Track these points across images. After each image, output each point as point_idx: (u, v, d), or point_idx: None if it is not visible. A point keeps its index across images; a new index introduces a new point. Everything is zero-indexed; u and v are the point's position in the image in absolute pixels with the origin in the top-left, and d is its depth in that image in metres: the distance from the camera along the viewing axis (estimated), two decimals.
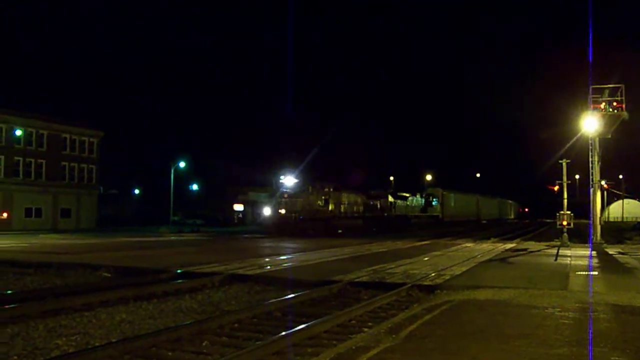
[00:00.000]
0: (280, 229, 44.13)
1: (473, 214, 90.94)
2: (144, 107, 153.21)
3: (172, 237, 39.45)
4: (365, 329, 8.97)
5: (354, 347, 7.53)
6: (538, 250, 25.42)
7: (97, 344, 7.86)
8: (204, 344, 8.06)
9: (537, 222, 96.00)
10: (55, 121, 62.83)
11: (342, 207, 50.78)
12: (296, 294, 12.38)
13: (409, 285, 13.46)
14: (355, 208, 53.49)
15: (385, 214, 58.75)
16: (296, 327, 8.85)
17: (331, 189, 49.21)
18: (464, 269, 17.16)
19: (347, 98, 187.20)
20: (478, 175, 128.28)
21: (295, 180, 48.71)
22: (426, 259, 20.95)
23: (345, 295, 12.92)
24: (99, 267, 17.21)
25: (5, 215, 49.68)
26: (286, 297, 12.08)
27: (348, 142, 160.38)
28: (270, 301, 11.49)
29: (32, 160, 59.86)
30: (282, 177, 49.63)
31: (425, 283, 13.89)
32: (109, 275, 16.38)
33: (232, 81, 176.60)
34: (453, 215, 79.34)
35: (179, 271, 16.13)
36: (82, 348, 7.65)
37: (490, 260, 20.68)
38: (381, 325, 9.06)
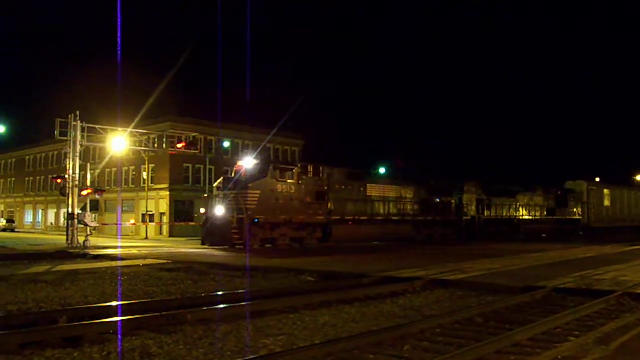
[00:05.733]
0: (215, 238, 30.18)
1: None
2: (340, 113, 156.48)
3: (375, 242, 37.42)
4: (572, 338, 8.48)
5: (559, 357, 7.20)
6: None
7: (301, 345, 8.10)
8: (405, 348, 8.03)
9: None
10: (260, 132, 66.14)
11: (368, 206, 35.67)
12: (498, 300, 12.07)
13: (620, 293, 12.57)
14: (399, 207, 38.12)
15: (465, 217, 43.04)
16: (499, 333, 8.62)
17: (342, 176, 34.76)
18: None
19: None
20: None
21: (255, 162, 32.35)
22: (638, 264, 19.58)
23: (550, 302, 12.36)
24: (303, 272, 17.77)
25: None
26: (488, 302, 11.80)
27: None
28: (472, 307, 11.27)
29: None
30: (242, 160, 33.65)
31: (638, 291, 12.95)
32: (312, 279, 16.85)
33: None
34: (608, 219, 58.69)
35: (380, 276, 16.28)
36: (288, 348, 7.91)
37: None
38: (589, 334, 8.55)
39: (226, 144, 61.17)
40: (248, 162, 32.21)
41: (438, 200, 41.26)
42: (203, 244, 31.09)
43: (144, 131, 45.65)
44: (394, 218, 37.57)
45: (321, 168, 33.41)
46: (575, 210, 55.41)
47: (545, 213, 52.02)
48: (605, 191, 60.18)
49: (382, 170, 54.02)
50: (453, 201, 42.45)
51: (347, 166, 36.50)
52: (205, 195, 34.81)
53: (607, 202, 59.55)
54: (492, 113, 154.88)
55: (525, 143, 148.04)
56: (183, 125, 57.41)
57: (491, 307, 11.20)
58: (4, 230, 77.75)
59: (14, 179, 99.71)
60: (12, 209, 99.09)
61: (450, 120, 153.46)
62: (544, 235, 48.31)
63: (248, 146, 64.78)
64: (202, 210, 33.00)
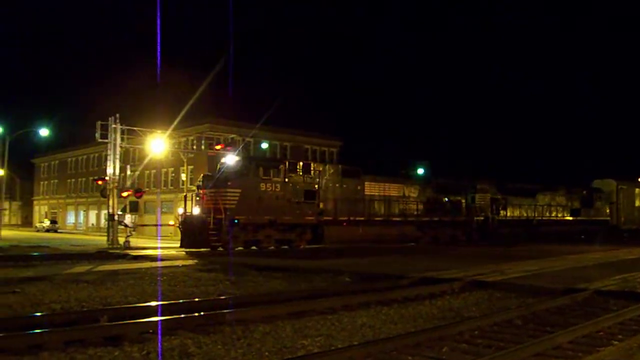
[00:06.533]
0: (192, 239, 27.61)
1: None
2: (378, 113, 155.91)
3: (410, 243, 36.35)
4: (615, 342, 8.35)
5: None
6: None
7: (339, 346, 8.11)
8: (443, 349, 8.00)
9: None
10: (297, 133, 66.34)
11: (365, 206, 33.11)
12: (538, 302, 11.93)
13: None
14: (401, 207, 35.44)
15: (477, 218, 39.80)
16: (539, 336, 8.53)
17: (336, 174, 32.31)
18: None
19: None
20: None
21: (237, 158, 30.44)
22: None
23: (591, 304, 12.17)
24: (342, 273, 17.77)
25: None
26: (527, 304, 11.68)
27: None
28: (511, 308, 11.16)
29: None
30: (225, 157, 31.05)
31: None
32: (350, 280, 16.84)
33: None
34: (639, 220, 53.35)
35: (418, 277, 16.20)
36: (326, 349, 7.93)
37: None
38: (633, 339, 8.40)
39: (264, 145, 61.41)
40: (230, 159, 30.09)
41: (447, 199, 38.61)
42: (181, 246, 28.49)
43: (183, 133, 45.96)
44: (395, 219, 35.00)
45: (312, 165, 31.79)
46: (602, 210, 51.56)
47: (569, 213, 48.85)
48: (637, 190, 55.49)
49: (421, 171, 52.67)
50: (463, 201, 39.69)
51: (379, 166, 35.97)
52: (184, 194, 33.11)
53: (638, 202, 55.04)
54: (491, 113, 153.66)
55: (537, 142, 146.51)
56: (221, 127, 57.83)
57: (531, 309, 11.09)
58: (47, 230, 79.25)
59: (56, 180, 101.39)
60: (54, 210, 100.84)
61: (449, 121, 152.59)
62: (582, 237, 46.70)
63: (286, 147, 65.07)
64: (180, 210, 31.03)
